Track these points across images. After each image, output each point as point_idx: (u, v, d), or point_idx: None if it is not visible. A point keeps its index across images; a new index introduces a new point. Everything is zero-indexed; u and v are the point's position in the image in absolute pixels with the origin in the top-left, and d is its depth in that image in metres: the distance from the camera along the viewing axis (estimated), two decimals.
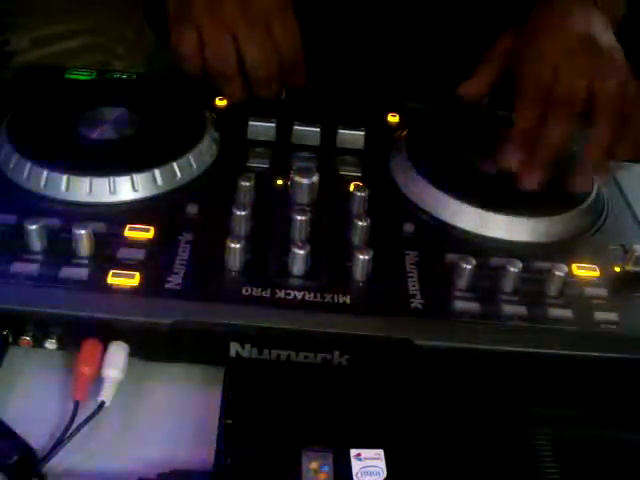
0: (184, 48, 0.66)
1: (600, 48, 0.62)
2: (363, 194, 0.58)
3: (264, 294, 0.51)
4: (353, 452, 0.45)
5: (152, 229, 0.55)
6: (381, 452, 0.45)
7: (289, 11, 0.67)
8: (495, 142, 0.66)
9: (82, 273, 0.51)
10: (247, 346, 0.50)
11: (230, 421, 0.46)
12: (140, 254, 0.53)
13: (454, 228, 0.59)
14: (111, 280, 0.51)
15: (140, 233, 0.54)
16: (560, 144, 0.61)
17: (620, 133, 0.61)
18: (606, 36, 0.63)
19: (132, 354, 0.50)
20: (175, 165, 0.60)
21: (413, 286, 0.53)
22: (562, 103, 0.61)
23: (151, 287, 0.51)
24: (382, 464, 0.45)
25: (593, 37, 0.62)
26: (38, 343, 0.50)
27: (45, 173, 0.57)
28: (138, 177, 0.58)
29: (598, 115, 0.60)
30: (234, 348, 0.50)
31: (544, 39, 0.63)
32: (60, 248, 0.52)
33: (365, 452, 0.45)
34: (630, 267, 0.55)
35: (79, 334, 0.50)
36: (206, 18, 0.65)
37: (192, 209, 0.57)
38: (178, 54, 0.67)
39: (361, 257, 0.52)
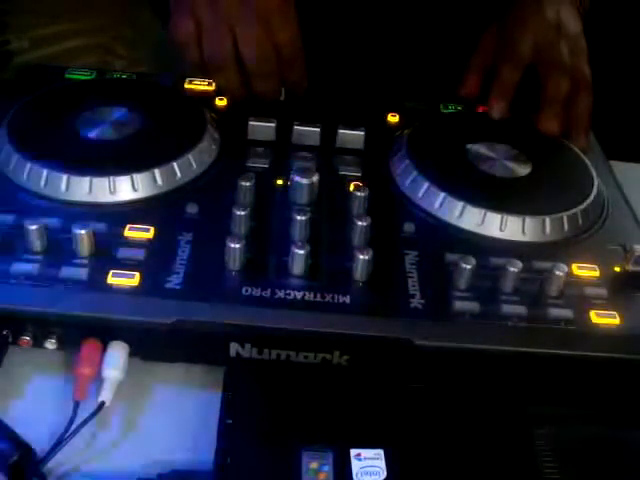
0: (181, 38, 0.66)
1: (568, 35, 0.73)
2: (363, 194, 0.58)
3: (264, 294, 0.51)
4: (353, 452, 0.45)
5: (152, 229, 0.55)
6: (381, 452, 0.45)
7: (290, 9, 0.67)
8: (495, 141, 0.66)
9: (82, 273, 0.51)
10: (247, 346, 0.50)
11: (230, 421, 0.46)
12: (140, 254, 0.53)
13: (454, 228, 0.58)
14: (111, 280, 0.51)
15: (140, 233, 0.54)
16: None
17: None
18: (574, 24, 0.74)
19: (132, 354, 0.50)
20: (175, 165, 0.60)
21: (413, 286, 0.53)
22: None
23: (151, 287, 0.51)
24: (382, 464, 0.45)
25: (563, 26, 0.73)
26: (38, 343, 0.50)
27: (45, 173, 0.57)
28: (138, 177, 0.58)
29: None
30: (234, 348, 0.50)
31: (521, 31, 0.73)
32: (60, 248, 0.52)
33: (365, 452, 0.45)
34: (630, 267, 0.55)
35: (79, 334, 0.50)
36: (206, 10, 0.65)
37: (192, 209, 0.57)
38: (175, 43, 0.67)
39: (361, 257, 0.52)
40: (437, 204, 0.59)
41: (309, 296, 0.51)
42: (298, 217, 0.55)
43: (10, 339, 0.50)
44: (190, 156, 0.61)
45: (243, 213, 0.55)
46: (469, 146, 0.66)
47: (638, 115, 1.01)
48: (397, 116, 0.71)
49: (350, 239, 0.55)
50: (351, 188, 0.60)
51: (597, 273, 0.55)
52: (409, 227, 0.58)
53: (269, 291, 0.51)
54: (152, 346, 0.50)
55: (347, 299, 0.51)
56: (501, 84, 0.72)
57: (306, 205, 0.59)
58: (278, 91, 0.70)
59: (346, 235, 0.56)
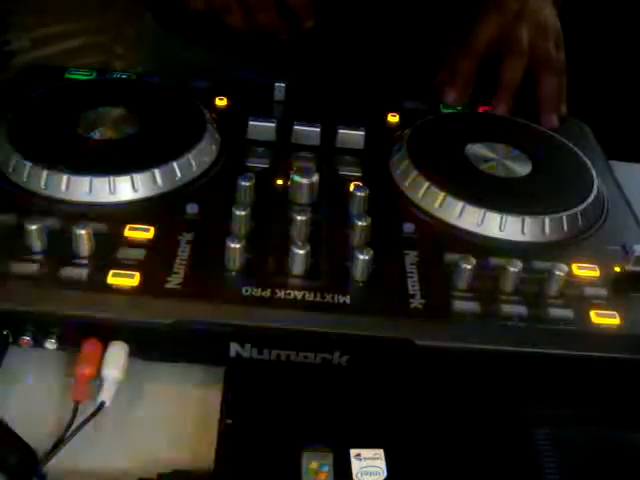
0: None
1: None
2: (363, 194, 0.58)
3: (264, 294, 0.51)
4: (353, 452, 0.45)
5: (152, 229, 0.55)
6: (381, 452, 0.45)
7: None
8: (495, 141, 0.66)
9: (82, 273, 0.51)
10: (247, 346, 0.50)
11: (230, 421, 0.46)
12: (140, 254, 0.53)
13: (454, 228, 0.58)
14: (111, 280, 0.51)
15: (140, 233, 0.54)
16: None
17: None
18: (539, 10, 0.77)
19: (132, 354, 0.50)
20: (175, 165, 0.59)
21: (413, 286, 0.53)
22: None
23: (151, 287, 0.51)
24: (382, 464, 0.45)
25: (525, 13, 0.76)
26: (38, 343, 0.50)
27: (45, 173, 0.57)
28: (138, 177, 0.58)
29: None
30: (234, 348, 0.50)
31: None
32: (60, 248, 0.52)
33: (365, 452, 0.45)
34: (630, 267, 0.55)
35: (79, 334, 0.50)
36: None
37: (192, 209, 0.57)
38: None
39: (361, 257, 0.52)
40: (437, 204, 0.59)
41: (309, 296, 0.51)
42: (298, 217, 0.54)
43: (10, 339, 0.50)
44: (190, 156, 0.61)
45: (243, 213, 0.55)
46: (469, 146, 0.66)
47: (638, 115, 1.02)
48: (397, 116, 0.71)
49: (350, 239, 0.55)
50: (351, 188, 0.60)
51: (597, 273, 0.55)
52: (409, 227, 0.58)
53: (269, 291, 0.51)
54: (152, 346, 0.50)
55: (347, 299, 0.51)
56: (455, 75, 0.74)
57: (306, 205, 0.59)
58: (279, 22, 0.70)
59: (346, 235, 0.56)
